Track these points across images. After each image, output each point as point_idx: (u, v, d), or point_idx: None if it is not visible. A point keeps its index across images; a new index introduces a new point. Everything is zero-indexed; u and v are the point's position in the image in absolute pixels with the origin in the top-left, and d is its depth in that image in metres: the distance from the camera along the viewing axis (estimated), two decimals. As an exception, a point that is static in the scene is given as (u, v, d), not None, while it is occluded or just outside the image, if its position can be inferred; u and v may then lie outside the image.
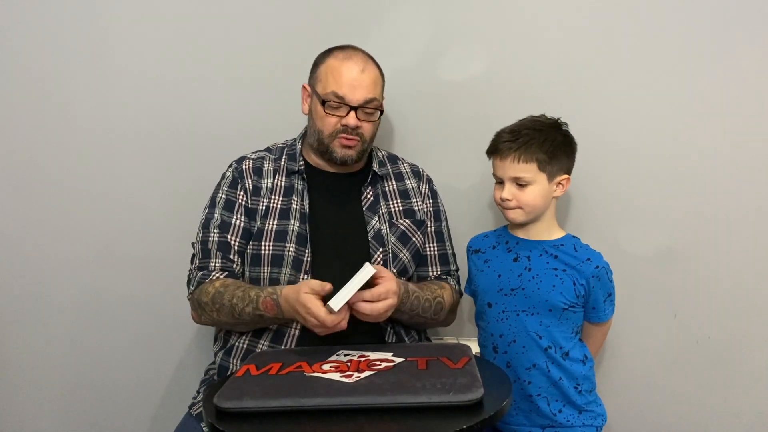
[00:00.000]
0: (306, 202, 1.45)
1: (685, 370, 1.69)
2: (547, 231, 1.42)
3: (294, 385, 1.10)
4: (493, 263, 1.45)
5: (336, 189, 1.49)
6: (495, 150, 1.39)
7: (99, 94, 1.73)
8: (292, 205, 1.45)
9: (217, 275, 1.41)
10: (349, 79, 1.40)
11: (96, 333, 1.80)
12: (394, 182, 1.55)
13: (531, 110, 1.44)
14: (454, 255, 1.57)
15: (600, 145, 1.61)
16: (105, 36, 1.71)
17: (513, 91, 1.65)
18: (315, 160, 1.50)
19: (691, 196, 1.63)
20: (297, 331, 1.37)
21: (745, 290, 1.64)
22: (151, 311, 1.79)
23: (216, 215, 1.45)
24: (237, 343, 1.41)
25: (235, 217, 1.44)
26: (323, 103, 1.41)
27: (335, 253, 1.43)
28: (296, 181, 1.47)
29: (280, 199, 1.45)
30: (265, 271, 1.40)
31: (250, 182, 1.47)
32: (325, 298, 1.21)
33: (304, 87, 1.50)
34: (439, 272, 1.53)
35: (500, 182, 1.40)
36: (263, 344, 1.39)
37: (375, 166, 1.52)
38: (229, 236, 1.43)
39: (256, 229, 1.43)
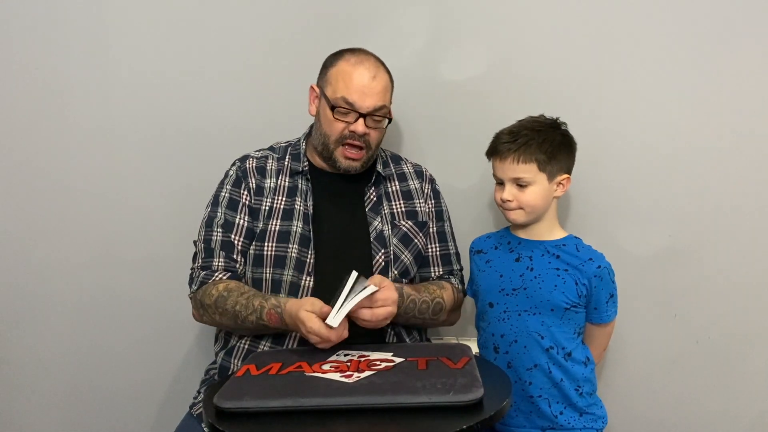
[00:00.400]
0: (310, 203, 1.45)
1: (685, 370, 1.69)
2: (549, 231, 1.42)
3: (294, 385, 1.11)
4: (495, 263, 1.45)
5: (339, 190, 1.49)
6: (494, 151, 1.39)
7: (100, 93, 1.73)
8: (296, 206, 1.44)
9: (220, 276, 1.41)
10: (360, 86, 1.39)
11: (97, 333, 1.80)
12: (397, 183, 1.54)
13: (531, 110, 1.44)
14: (457, 254, 1.57)
15: (600, 144, 1.61)
16: (105, 35, 1.71)
17: (513, 91, 1.65)
18: (319, 161, 1.50)
19: (691, 196, 1.63)
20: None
21: (745, 290, 1.64)
22: (151, 311, 1.79)
23: (219, 214, 1.44)
24: (238, 344, 1.41)
25: (238, 216, 1.44)
26: (332, 108, 1.40)
27: (338, 254, 1.43)
28: (300, 181, 1.47)
29: (284, 199, 1.45)
30: (268, 271, 1.40)
31: (253, 181, 1.46)
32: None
33: (312, 88, 1.48)
34: (441, 272, 1.53)
35: (500, 183, 1.40)
36: (264, 345, 1.39)
37: (379, 167, 1.52)
38: (232, 236, 1.43)
39: (259, 229, 1.43)
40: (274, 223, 1.43)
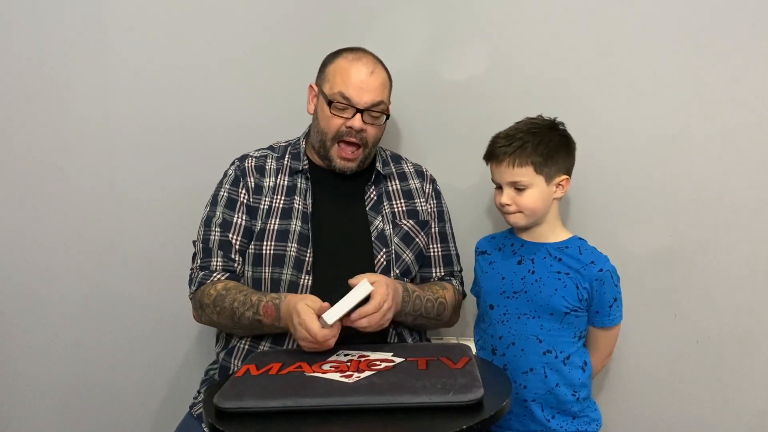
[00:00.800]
0: (309, 201, 1.45)
1: (685, 370, 1.69)
2: (552, 233, 1.41)
3: (294, 385, 1.11)
4: (498, 265, 1.44)
5: (339, 188, 1.49)
6: (491, 155, 1.38)
7: (100, 92, 1.73)
8: (295, 205, 1.44)
9: (219, 276, 1.41)
10: (358, 81, 1.39)
11: (97, 333, 1.80)
12: (397, 182, 1.54)
13: (531, 110, 1.44)
14: (457, 255, 1.57)
15: (599, 145, 1.61)
16: (105, 33, 1.71)
17: (513, 91, 1.65)
18: (318, 160, 1.50)
19: (691, 196, 1.63)
20: (298, 332, 1.37)
21: (745, 290, 1.64)
22: (152, 311, 1.79)
23: (218, 213, 1.44)
24: (238, 344, 1.41)
25: (236, 215, 1.44)
26: (329, 103, 1.40)
27: (338, 253, 1.43)
28: (299, 180, 1.47)
29: (283, 198, 1.45)
30: (267, 271, 1.40)
31: (252, 180, 1.46)
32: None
33: (311, 86, 1.49)
34: (442, 273, 1.53)
35: (499, 187, 1.39)
36: (264, 345, 1.39)
37: (379, 166, 1.52)
38: (230, 235, 1.43)
39: (257, 228, 1.43)
40: (272, 222, 1.43)
